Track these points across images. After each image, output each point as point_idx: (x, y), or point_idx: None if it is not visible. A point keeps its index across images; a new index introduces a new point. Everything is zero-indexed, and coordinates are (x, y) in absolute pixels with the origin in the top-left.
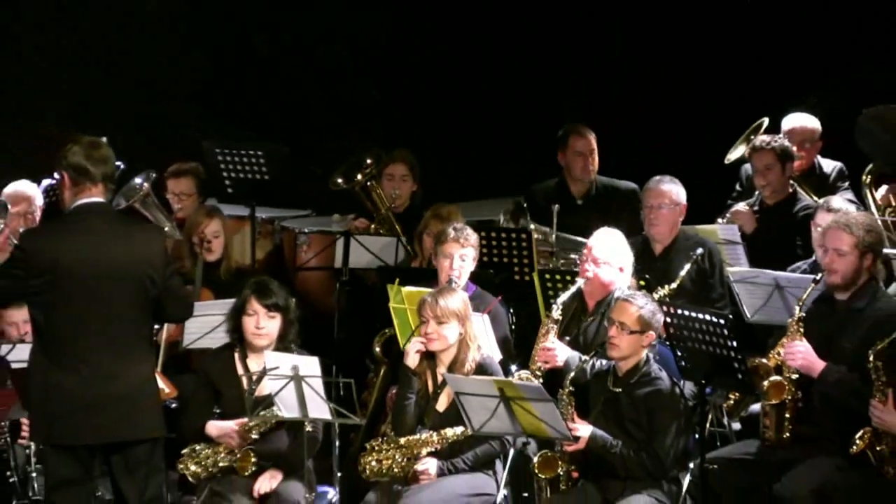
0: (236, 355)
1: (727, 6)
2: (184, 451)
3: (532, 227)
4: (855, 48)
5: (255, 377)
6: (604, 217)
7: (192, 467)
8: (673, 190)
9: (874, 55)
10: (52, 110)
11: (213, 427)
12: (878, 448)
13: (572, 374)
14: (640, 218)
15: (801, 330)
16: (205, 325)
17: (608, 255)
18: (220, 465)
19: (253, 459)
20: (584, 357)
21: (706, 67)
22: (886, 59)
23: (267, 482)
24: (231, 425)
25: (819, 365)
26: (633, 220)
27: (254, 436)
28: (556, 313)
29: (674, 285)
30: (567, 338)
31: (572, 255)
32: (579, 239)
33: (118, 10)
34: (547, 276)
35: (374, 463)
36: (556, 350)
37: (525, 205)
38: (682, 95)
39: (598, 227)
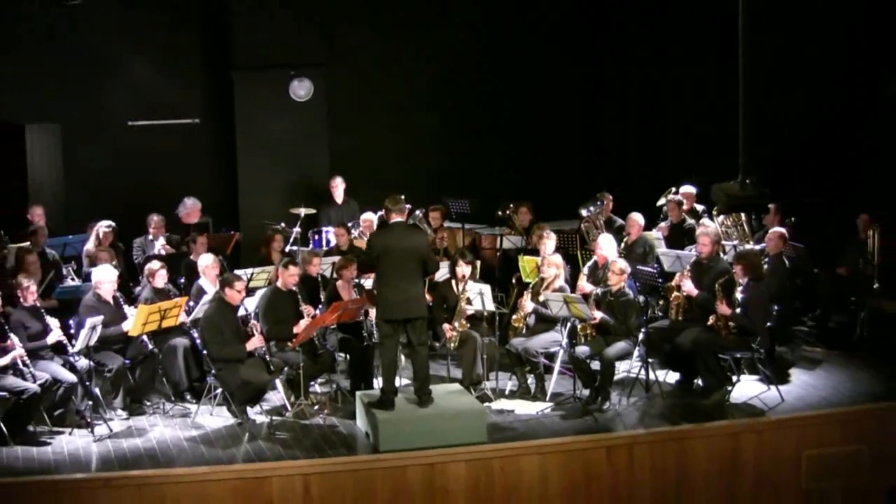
0: (453, 283)
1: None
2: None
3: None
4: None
5: (461, 292)
6: (614, 232)
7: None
8: (639, 219)
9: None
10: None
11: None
12: (718, 323)
13: (594, 294)
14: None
15: (688, 274)
16: (442, 273)
17: (605, 245)
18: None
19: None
20: (597, 289)
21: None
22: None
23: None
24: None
25: (694, 290)
26: (620, 233)
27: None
28: (585, 270)
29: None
30: (591, 279)
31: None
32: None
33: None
34: (583, 252)
35: (514, 325)
36: (585, 288)
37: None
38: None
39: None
